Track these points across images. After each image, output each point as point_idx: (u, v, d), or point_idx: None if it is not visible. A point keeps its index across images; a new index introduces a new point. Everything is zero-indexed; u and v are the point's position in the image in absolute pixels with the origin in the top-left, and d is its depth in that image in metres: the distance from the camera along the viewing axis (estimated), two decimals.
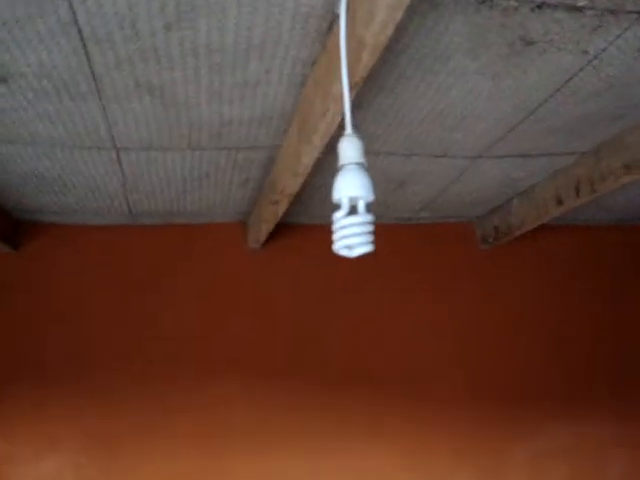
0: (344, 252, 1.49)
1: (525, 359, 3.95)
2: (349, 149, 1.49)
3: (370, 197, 1.47)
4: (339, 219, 1.46)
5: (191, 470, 3.55)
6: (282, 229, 3.68)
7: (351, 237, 1.46)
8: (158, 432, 3.56)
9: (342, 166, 1.49)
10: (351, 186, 1.46)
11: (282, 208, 2.99)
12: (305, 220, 3.79)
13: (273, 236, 3.63)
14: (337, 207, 1.49)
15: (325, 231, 3.69)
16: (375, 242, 1.48)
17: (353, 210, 1.48)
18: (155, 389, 3.61)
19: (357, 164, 1.48)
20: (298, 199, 3.07)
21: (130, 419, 3.55)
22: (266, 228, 3.36)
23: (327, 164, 2.76)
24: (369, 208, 1.48)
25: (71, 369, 3.58)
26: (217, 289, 3.78)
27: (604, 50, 2.03)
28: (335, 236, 1.47)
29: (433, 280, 3.98)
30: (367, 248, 1.47)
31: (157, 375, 3.62)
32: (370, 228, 1.47)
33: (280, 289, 3.83)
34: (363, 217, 1.46)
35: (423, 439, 3.76)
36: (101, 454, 3.51)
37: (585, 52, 2.05)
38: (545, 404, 3.89)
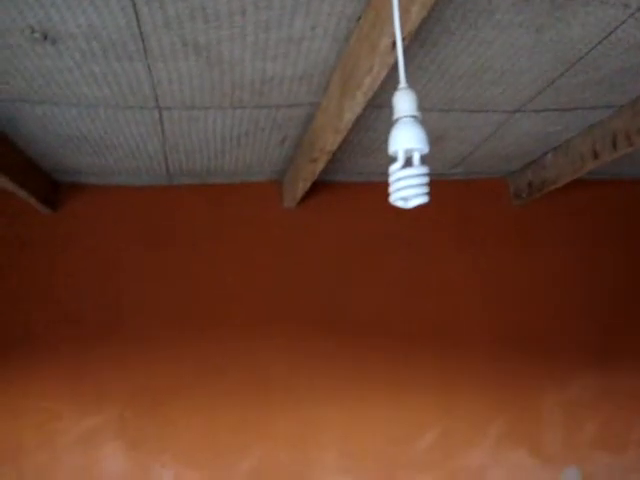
0: (400, 203, 1.51)
1: (558, 312, 3.99)
2: (404, 102, 1.51)
3: (425, 149, 1.49)
4: (395, 171, 1.49)
5: (232, 421, 3.65)
6: (317, 187, 3.72)
7: (407, 189, 1.48)
8: (199, 385, 3.66)
9: (397, 119, 1.51)
10: (407, 138, 1.48)
11: (320, 166, 3.01)
12: (342, 177, 3.81)
13: (308, 194, 3.66)
14: (393, 160, 1.51)
15: (359, 188, 3.83)
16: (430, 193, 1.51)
17: (407, 162, 1.51)
18: (194, 344, 3.69)
19: (412, 117, 1.50)
20: (334, 156, 3.09)
21: (172, 373, 3.65)
22: (303, 186, 3.38)
23: (366, 120, 2.79)
24: (423, 160, 1.51)
25: (111, 327, 3.67)
26: (253, 248, 3.83)
27: None
28: (391, 188, 1.50)
29: (466, 235, 4.01)
30: (423, 199, 1.50)
31: (195, 331, 3.70)
32: (425, 180, 1.49)
33: (315, 247, 3.87)
34: (418, 169, 1.49)
35: (458, 389, 3.83)
36: (144, 407, 3.61)
37: (627, 5, 2.05)
38: (578, 356, 3.95)
